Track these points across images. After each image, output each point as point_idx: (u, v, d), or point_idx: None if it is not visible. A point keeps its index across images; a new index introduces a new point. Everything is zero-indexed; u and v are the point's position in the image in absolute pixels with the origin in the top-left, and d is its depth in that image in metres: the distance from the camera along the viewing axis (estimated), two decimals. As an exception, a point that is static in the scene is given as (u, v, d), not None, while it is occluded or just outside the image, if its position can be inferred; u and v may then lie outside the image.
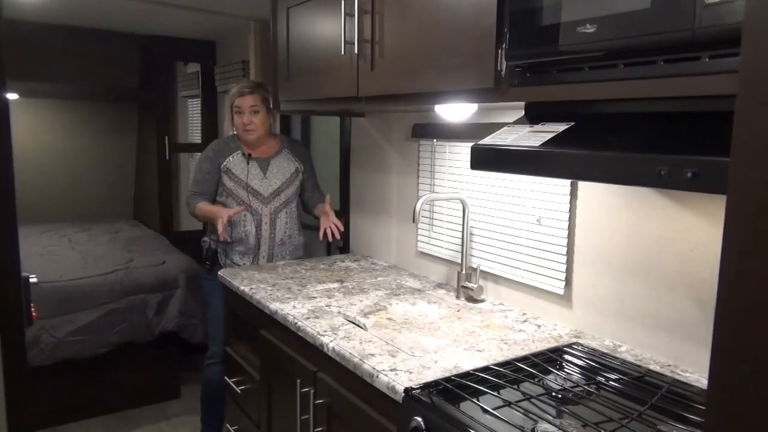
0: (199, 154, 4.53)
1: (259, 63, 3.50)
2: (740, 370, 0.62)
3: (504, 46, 1.27)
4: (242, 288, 2.07)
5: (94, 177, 4.87)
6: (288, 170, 2.58)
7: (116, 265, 3.27)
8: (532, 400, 1.19)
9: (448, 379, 1.27)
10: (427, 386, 1.25)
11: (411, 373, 1.35)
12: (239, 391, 2.12)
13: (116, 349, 3.01)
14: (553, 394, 1.23)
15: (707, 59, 0.92)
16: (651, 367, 1.41)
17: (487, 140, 1.30)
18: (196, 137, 4.65)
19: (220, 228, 2.27)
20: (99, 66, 4.39)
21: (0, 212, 1.57)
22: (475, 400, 1.18)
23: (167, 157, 4.39)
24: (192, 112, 4.77)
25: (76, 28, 4.10)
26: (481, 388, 1.23)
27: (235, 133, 2.55)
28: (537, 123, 1.27)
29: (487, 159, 1.27)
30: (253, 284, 2.09)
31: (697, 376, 1.37)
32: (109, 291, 3.05)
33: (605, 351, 1.50)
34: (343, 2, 1.79)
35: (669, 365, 1.43)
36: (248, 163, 2.51)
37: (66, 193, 4.74)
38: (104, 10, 3.67)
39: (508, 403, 1.16)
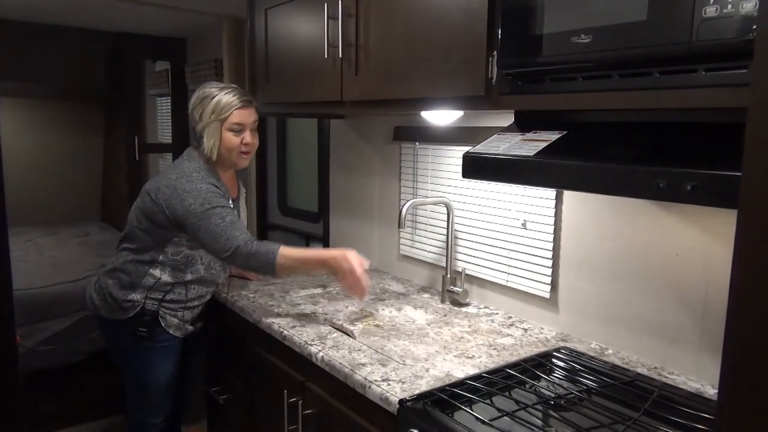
0: (169, 155, 4.45)
1: (232, 62, 3.44)
2: (750, 393, 0.63)
3: (495, 53, 1.27)
4: (223, 295, 2.03)
5: (59, 178, 4.71)
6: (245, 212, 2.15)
7: (87, 270, 3.16)
8: (528, 409, 1.19)
9: (442, 389, 1.26)
10: (421, 397, 1.24)
11: (404, 383, 1.33)
12: (221, 401, 2.08)
13: (90, 357, 2.92)
14: (548, 401, 1.23)
15: (703, 72, 0.92)
16: (639, 370, 1.43)
17: (479, 148, 1.29)
18: (166, 137, 4.54)
19: (364, 297, 1.69)
20: (64, 64, 4.24)
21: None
22: (470, 410, 1.17)
23: (137, 158, 4.28)
24: (162, 111, 4.65)
25: (39, 24, 3.95)
26: (474, 397, 1.23)
27: (209, 158, 1.84)
28: (528, 131, 1.27)
29: (479, 168, 1.26)
30: (234, 291, 2.05)
31: (684, 378, 1.39)
32: (81, 298, 2.95)
33: (593, 355, 1.51)
34: (326, 5, 1.75)
35: (656, 368, 1.45)
36: (232, 207, 1.87)
37: (30, 195, 4.57)
38: (69, 7, 3.55)
39: (504, 413, 1.16)
